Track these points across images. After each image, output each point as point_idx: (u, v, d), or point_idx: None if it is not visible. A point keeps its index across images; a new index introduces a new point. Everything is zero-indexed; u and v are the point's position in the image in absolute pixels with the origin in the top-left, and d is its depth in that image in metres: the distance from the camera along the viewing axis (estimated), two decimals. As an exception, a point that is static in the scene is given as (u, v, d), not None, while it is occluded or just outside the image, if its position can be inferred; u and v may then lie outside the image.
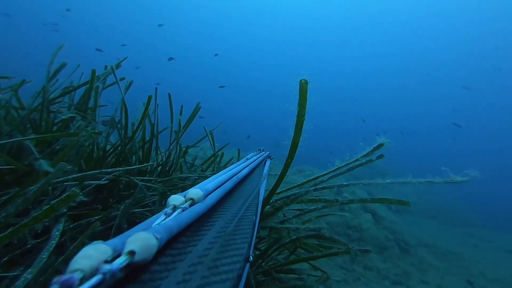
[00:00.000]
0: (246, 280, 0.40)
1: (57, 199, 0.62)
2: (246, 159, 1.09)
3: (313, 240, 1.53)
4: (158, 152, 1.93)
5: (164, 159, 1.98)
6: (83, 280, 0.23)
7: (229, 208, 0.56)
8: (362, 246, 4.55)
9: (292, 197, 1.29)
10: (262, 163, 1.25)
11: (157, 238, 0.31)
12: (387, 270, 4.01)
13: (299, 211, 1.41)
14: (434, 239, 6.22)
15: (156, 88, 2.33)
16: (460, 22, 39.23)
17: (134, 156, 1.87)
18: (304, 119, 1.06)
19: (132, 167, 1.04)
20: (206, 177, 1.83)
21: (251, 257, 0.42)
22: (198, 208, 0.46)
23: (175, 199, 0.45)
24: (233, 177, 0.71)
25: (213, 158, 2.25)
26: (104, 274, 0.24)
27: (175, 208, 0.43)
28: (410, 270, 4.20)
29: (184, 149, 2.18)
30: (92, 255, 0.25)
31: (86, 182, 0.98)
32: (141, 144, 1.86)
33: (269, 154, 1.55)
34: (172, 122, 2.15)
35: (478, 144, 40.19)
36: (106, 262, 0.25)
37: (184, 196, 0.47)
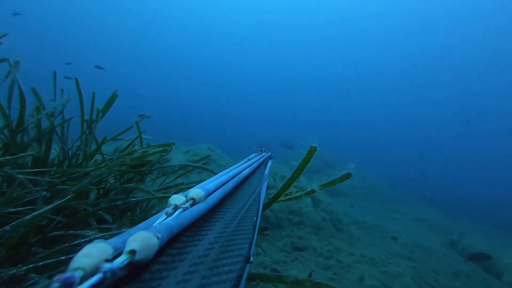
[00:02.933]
0: None
1: None
2: (248, 159, 1.07)
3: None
4: (64, 145, 1.69)
5: (71, 152, 1.74)
6: (83, 278, 0.23)
7: (230, 209, 0.56)
8: (302, 228, 4.91)
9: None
10: (263, 164, 1.25)
11: (158, 238, 0.31)
12: (322, 248, 4.43)
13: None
14: (363, 216, 7.15)
15: (54, 72, 2.05)
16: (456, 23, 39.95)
17: (30, 149, 1.60)
18: (298, 176, 1.11)
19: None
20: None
21: (251, 258, 0.42)
22: (199, 208, 0.46)
23: (176, 198, 0.45)
24: (235, 178, 0.72)
25: (128, 148, 2.08)
26: (105, 273, 0.24)
27: (176, 207, 0.43)
28: (341, 245, 4.73)
29: (100, 141, 1.96)
30: (93, 253, 0.25)
31: None
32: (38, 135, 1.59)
33: (271, 154, 1.53)
34: (82, 112, 1.90)
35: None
36: (107, 261, 0.25)
37: (185, 196, 0.47)
